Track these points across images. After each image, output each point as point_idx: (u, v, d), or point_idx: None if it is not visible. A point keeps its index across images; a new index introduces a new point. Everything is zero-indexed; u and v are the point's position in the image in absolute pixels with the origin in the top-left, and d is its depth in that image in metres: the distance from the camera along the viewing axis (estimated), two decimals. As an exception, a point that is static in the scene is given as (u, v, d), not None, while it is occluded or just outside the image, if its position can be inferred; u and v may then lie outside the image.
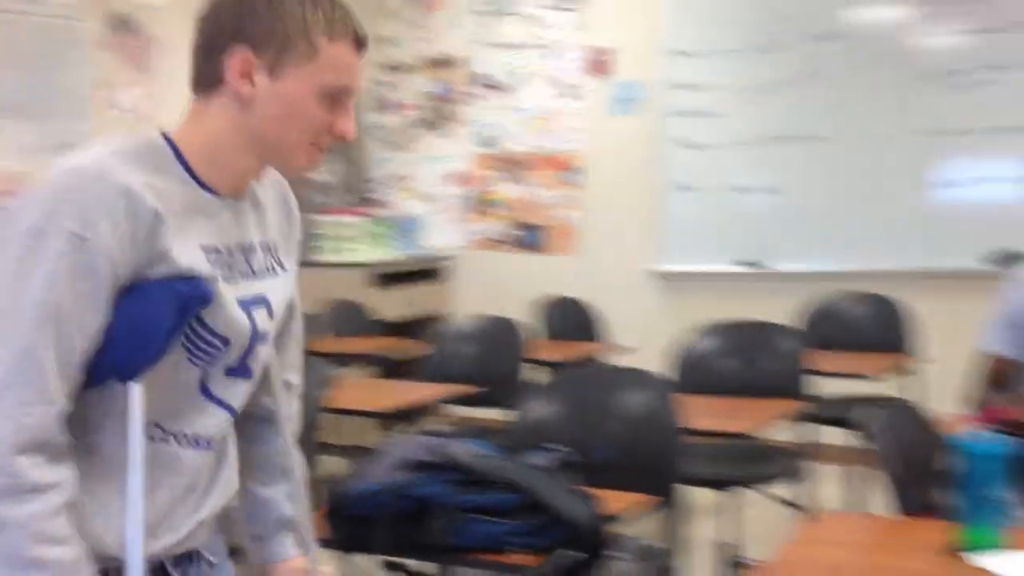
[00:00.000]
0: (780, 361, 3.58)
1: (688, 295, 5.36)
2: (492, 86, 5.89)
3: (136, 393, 1.25)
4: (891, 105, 4.83)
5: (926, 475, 2.11)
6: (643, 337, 4.73)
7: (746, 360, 3.63)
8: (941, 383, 3.71)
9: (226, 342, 1.32)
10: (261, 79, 1.26)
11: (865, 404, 3.40)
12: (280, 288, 1.42)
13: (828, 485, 3.93)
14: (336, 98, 1.29)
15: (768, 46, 5.08)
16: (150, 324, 1.24)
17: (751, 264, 5.20)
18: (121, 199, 1.20)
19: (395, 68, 6.10)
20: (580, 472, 2.13)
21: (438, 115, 6.08)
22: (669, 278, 5.42)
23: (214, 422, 1.37)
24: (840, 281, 4.70)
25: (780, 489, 3.38)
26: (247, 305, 1.35)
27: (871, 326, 4.31)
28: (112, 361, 1.23)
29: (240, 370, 1.38)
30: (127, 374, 1.25)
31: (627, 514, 2.17)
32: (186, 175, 1.29)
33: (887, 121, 4.85)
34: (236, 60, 1.25)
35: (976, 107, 4.64)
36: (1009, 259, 4.52)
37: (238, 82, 1.26)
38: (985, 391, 2.68)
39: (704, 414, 2.93)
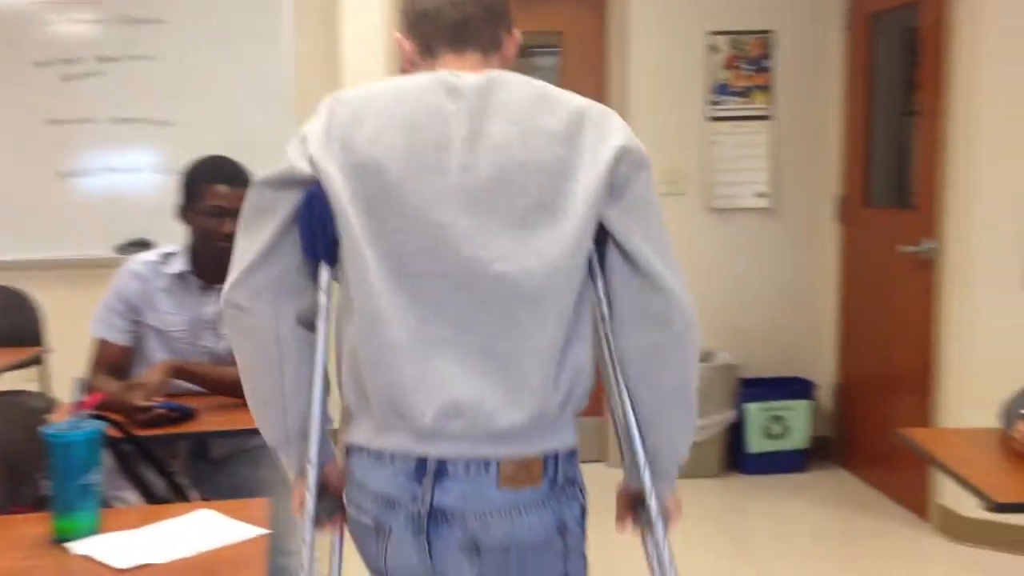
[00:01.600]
0: None
1: None
2: None
3: None
4: (9, 92, 4.65)
5: (35, 468, 2.08)
6: None
7: None
8: (70, 372, 3.71)
9: None
10: None
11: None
12: None
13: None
14: None
15: None
16: None
17: None
18: None
19: None
20: None
21: None
22: None
23: None
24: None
25: None
26: None
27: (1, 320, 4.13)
28: None
29: None
30: None
31: None
32: None
33: (8, 109, 4.66)
34: (517, 38, 1.65)
35: (96, 97, 4.69)
36: (137, 247, 4.68)
37: (513, 52, 1.64)
38: (97, 377, 2.74)
39: None
